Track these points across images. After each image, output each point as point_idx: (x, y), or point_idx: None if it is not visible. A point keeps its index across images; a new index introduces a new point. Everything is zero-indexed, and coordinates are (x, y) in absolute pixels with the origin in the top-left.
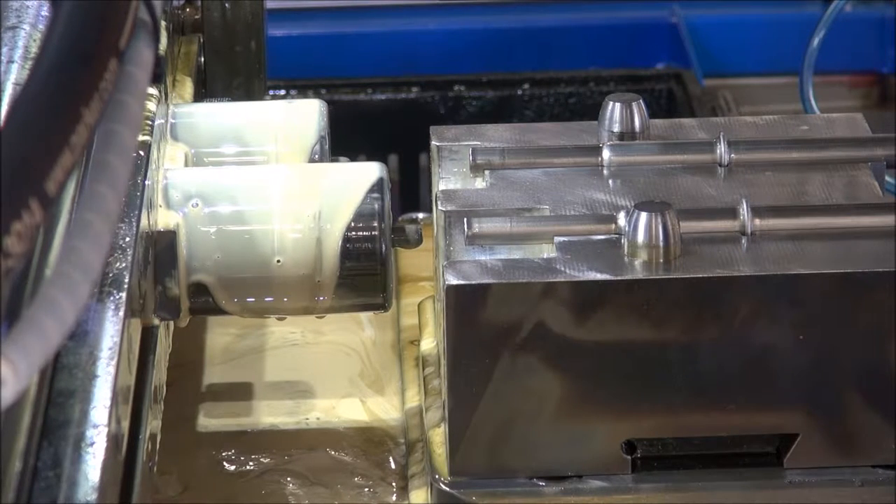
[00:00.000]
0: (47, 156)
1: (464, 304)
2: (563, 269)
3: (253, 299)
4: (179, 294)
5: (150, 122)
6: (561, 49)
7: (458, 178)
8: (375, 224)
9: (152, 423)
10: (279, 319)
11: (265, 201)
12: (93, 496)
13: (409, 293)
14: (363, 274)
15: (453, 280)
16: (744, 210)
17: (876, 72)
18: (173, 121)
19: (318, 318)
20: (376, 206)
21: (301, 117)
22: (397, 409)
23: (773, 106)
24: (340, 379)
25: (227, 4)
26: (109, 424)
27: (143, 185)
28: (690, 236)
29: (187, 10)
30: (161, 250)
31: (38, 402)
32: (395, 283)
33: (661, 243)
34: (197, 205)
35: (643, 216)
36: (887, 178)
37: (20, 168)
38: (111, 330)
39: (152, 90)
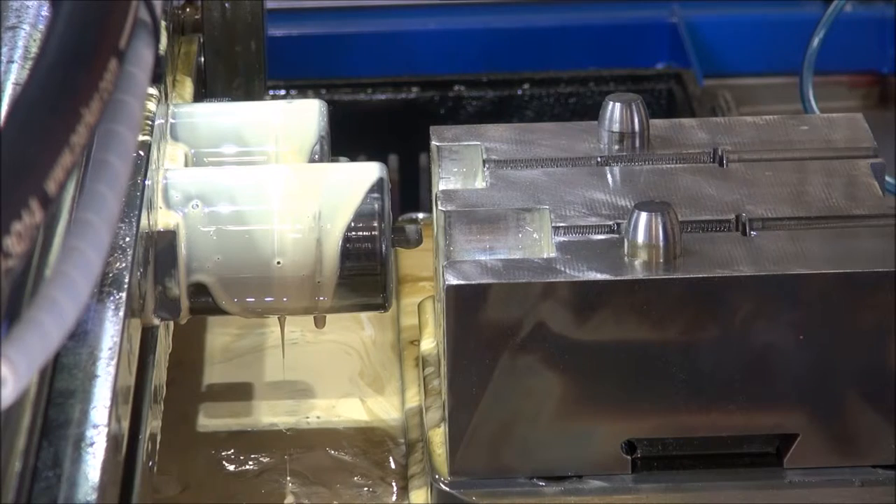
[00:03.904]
0: (47, 156)
1: (464, 304)
2: (563, 269)
3: (253, 299)
4: (179, 294)
5: (150, 122)
6: (561, 49)
7: (458, 178)
8: (375, 224)
9: (152, 423)
10: (280, 323)
11: (265, 201)
12: (93, 496)
13: (409, 293)
14: (363, 274)
15: (453, 280)
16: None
17: (876, 72)
18: (173, 121)
19: (317, 325)
20: (376, 206)
21: (301, 117)
22: (397, 409)
23: (773, 106)
24: (340, 378)
25: (227, 4)
26: (109, 424)
27: (143, 185)
28: (690, 236)
29: (187, 10)
30: (161, 250)
31: (38, 402)
32: (395, 283)
33: (661, 243)
34: (197, 205)
35: (643, 216)
36: (887, 178)
37: (20, 168)
38: (111, 330)
39: (152, 90)
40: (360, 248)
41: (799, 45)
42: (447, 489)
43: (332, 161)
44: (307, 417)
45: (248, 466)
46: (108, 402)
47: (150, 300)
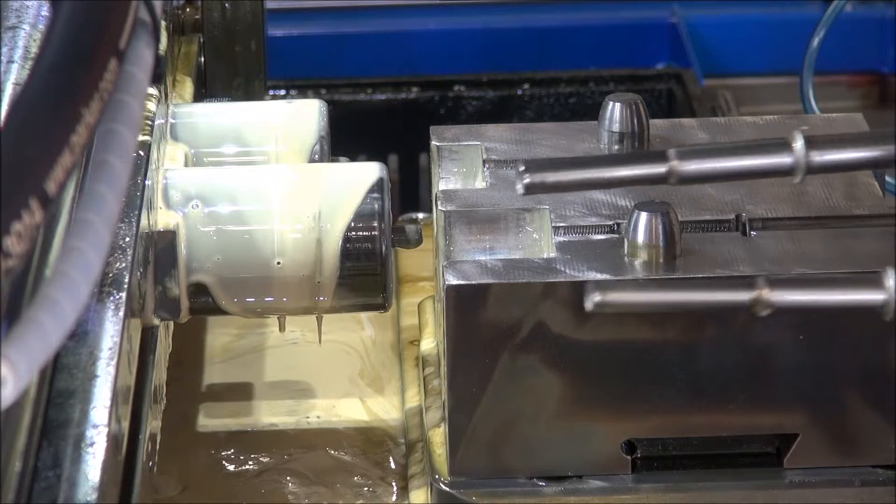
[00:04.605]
0: (47, 156)
1: (464, 304)
2: (563, 269)
3: (253, 299)
4: (179, 294)
5: (150, 122)
6: (561, 49)
7: (458, 178)
8: (375, 224)
9: (152, 423)
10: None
11: (265, 201)
12: (93, 496)
13: (409, 293)
14: (363, 274)
15: (453, 280)
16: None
17: (876, 72)
18: (173, 121)
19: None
20: (376, 206)
21: (301, 117)
22: (397, 409)
23: (773, 106)
24: (340, 378)
25: (227, 4)
26: (109, 424)
27: (143, 185)
28: (690, 236)
29: (187, 10)
30: (161, 250)
31: (38, 402)
32: (395, 283)
33: (661, 243)
34: (197, 206)
35: (643, 216)
36: (887, 178)
37: (20, 168)
38: (111, 330)
39: (152, 90)
40: (360, 248)
41: (799, 45)
42: (447, 489)
43: (332, 161)
44: (307, 417)
45: (248, 466)
46: (108, 402)
47: (150, 300)
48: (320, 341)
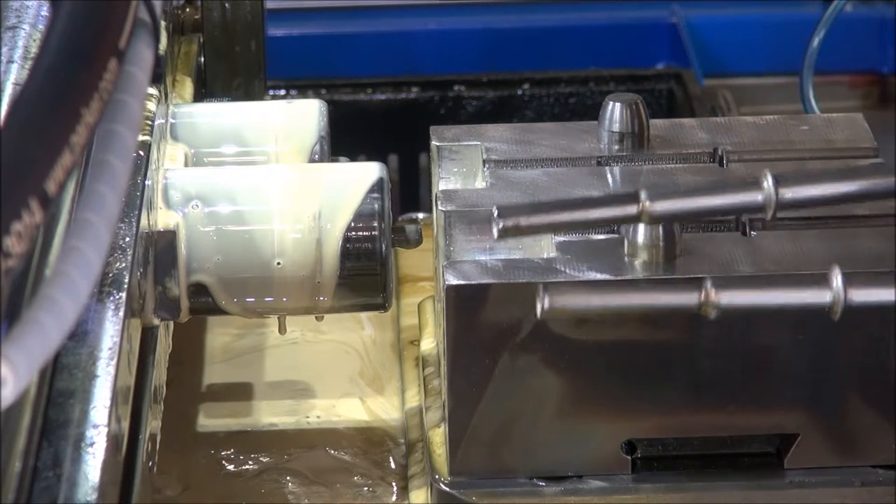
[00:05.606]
0: (47, 156)
1: (464, 304)
2: (563, 269)
3: (253, 299)
4: (179, 294)
5: (150, 122)
6: (561, 49)
7: (458, 178)
8: (375, 224)
9: (152, 423)
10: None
11: (265, 202)
12: (93, 496)
13: (409, 293)
14: (363, 274)
15: (453, 280)
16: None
17: (876, 72)
18: (173, 121)
19: (317, 318)
20: (376, 206)
21: (301, 117)
22: (397, 409)
23: (773, 106)
24: (340, 378)
25: (227, 4)
26: (109, 424)
27: (143, 185)
28: (690, 236)
29: (187, 10)
30: (161, 250)
31: (38, 402)
32: (395, 283)
33: (661, 243)
34: (197, 206)
35: None
36: None
37: (20, 168)
38: (111, 330)
39: (152, 90)
40: (360, 248)
41: (799, 45)
42: (447, 489)
43: (332, 161)
44: (307, 417)
45: (247, 466)
46: (108, 402)
47: (150, 300)
48: (318, 319)
